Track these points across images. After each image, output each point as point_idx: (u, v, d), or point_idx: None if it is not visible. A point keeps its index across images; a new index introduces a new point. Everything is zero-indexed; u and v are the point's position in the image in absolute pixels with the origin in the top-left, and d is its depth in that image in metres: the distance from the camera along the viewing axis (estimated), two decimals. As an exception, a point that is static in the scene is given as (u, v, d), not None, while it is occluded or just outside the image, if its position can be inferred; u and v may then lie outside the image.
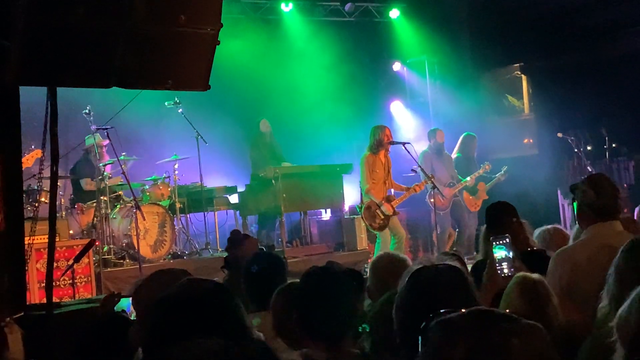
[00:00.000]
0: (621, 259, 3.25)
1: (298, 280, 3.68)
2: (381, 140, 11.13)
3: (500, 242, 4.00)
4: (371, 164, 11.13)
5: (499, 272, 3.93)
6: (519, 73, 16.62)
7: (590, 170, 13.18)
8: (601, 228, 4.54)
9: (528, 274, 3.91)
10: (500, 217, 5.44)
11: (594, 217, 4.58)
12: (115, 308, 4.93)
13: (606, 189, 4.59)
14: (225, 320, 2.34)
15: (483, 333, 1.90)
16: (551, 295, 3.81)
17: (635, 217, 5.94)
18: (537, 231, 6.00)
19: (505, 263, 3.97)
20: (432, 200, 11.92)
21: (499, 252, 4.00)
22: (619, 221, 4.64)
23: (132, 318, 4.08)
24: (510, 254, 3.98)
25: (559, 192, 12.89)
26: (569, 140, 13.76)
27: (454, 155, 13.00)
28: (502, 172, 12.97)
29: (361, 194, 11.44)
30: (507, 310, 3.46)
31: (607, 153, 14.64)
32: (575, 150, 13.88)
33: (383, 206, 11.07)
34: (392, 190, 11.53)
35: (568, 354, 3.48)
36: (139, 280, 3.86)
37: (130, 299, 4.11)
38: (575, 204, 4.79)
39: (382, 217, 11.06)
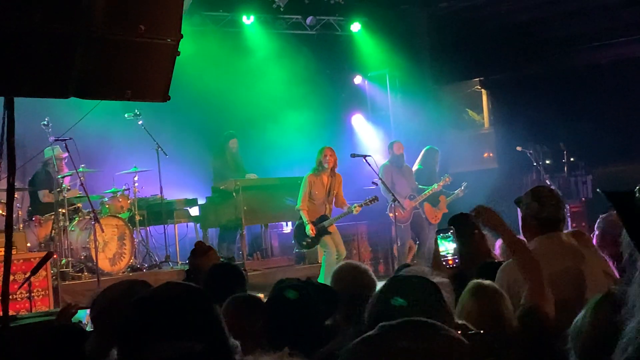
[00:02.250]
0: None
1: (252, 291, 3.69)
2: (320, 162, 11.20)
3: (445, 233, 4.01)
4: (310, 184, 11.20)
5: (443, 262, 3.95)
6: (479, 87, 16.76)
7: (548, 184, 13.30)
8: (545, 240, 4.58)
9: (482, 280, 3.94)
10: (461, 229, 5.45)
11: (538, 229, 4.62)
12: (72, 319, 4.87)
13: (549, 201, 4.64)
14: (203, 324, 2.31)
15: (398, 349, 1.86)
16: (505, 301, 3.82)
17: (595, 230, 5.97)
18: (499, 241, 6.02)
19: (450, 253, 3.98)
20: (392, 213, 11.95)
21: (444, 243, 4.02)
22: (562, 232, 4.68)
23: (87, 329, 4.04)
24: (455, 245, 3.99)
25: (518, 205, 12.96)
26: (528, 154, 13.88)
27: (415, 167, 13.04)
28: (462, 187, 13.01)
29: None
30: (462, 320, 3.48)
31: (565, 167, 14.80)
32: (535, 164, 14.00)
33: (309, 228, 11.10)
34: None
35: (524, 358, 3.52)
36: (96, 291, 3.83)
37: (88, 310, 4.07)
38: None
39: (311, 236, 11.10)
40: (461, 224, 5.57)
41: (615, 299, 2.66)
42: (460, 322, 3.17)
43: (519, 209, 4.94)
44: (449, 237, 4.02)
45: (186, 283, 2.46)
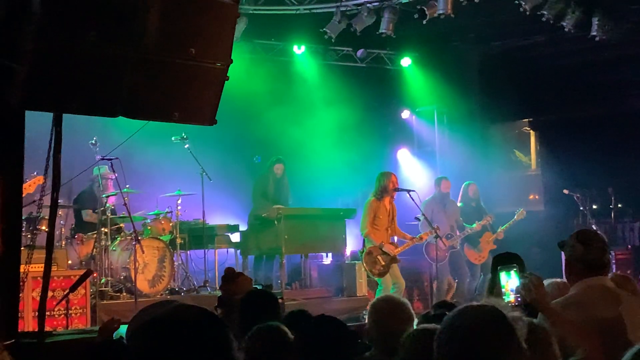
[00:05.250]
0: None
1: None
2: (386, 187, 11.06)
3: (507, 269, 3.81)
4: (375, 209, 11.04)
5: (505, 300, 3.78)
6: (528, 128, 16.63)
7: (594, 229, 13.10)
8: (590, 283, 4.49)
9: (533, 320, 3.82)
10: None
11: (583, 272, 4.53)
12: (114, 335, 4.86)
13: (595, 244, 4.56)
14: (212, 349, 2.25)
15: None
16: (552, 341, 3.71)
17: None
18: (546, 282, 5.91)
19: (512, 291, 3.78)
20: (430, 250, 11.89)
21: (505, 280, 3.81)
22: (607, 276, 4.60)
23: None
24: (518, 282, 3.78)
25: (563, 249, 12.76)
26: (575, 198, 13.70)
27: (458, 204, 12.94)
28: (518, 212, 12.80)
29: (363, 240, 11.32)
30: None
31: (612, 213, 14.57)
32: (581, 208, 13.81)
33: (385, 247, 10.94)
34: (396, 237, 11.45)
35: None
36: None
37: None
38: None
39: (383, 263, 10.94)
40: (505, 263, 5.48)
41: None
42: None
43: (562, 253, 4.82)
44: (511, 273, 3.80)
45: (196, 306, 2.39)
